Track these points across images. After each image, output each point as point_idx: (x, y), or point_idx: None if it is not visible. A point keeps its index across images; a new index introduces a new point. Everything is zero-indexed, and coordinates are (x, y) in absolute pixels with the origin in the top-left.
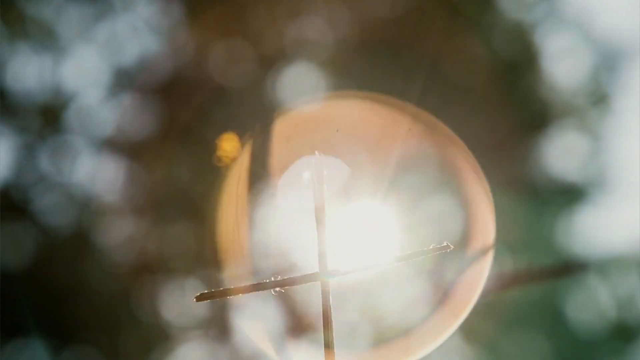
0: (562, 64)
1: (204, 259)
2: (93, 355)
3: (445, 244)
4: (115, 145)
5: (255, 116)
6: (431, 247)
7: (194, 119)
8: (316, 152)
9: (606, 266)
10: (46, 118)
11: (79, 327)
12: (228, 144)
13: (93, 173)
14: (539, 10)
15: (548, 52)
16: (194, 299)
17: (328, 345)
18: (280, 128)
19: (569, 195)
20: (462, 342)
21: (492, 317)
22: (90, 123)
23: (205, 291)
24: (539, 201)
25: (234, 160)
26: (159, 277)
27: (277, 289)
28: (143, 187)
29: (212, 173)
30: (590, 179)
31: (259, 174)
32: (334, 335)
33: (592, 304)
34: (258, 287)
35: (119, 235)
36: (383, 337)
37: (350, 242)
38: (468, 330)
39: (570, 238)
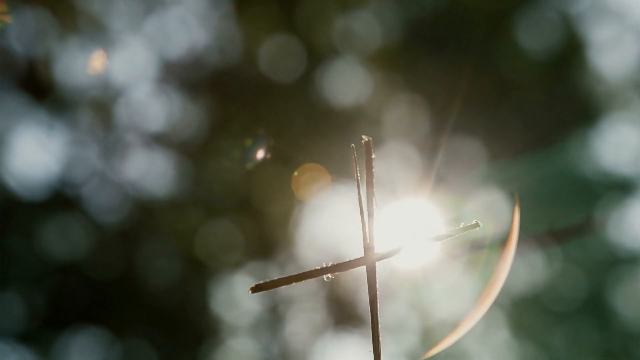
0: (611, 55)
1: (256, 252)
2: (145, 347)
3: (474, 222)
4: (165, 140)
5: (304, 111)
6: (461, 226)
7: (242, 113)
8: (364, 137)
9: None
10: (97, 113)
11: (132, 319)
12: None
13: (144, 168)
14: (585, 1)
15: (596, 44)
16: (250, 291)
17: (375, 329)
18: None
19: (619, 188)
20: (512, 337)
21: (542, 311)
22: (140, 118)
23: (260, 282)
24: (589, 194)
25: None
26: (211, 270)
27: (328, 275)
28: (194, 181)
29: (262, 168)
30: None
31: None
32: (379, 318)
33: None
34: (309, 275)
35: (170, 228)
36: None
37: (392, 226)
38: (518, 324)
39: (621, 231)
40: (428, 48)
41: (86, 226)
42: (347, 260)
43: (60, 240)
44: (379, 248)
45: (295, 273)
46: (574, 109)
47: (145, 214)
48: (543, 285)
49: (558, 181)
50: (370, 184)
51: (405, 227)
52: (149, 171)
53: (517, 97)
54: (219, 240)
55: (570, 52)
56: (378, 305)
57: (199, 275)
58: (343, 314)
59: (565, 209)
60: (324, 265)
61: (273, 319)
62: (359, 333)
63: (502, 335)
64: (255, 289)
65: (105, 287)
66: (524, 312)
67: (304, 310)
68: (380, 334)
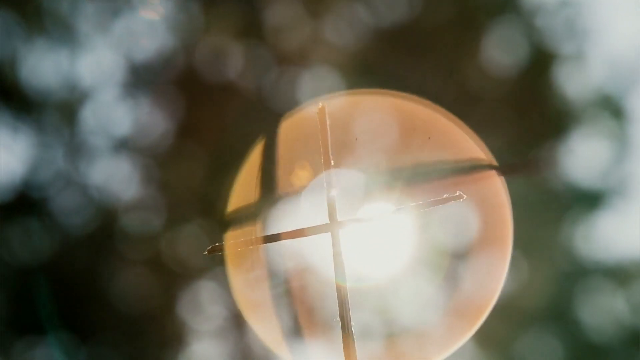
0: (579, 69)
1: (219, 257)
2: (109, 353)
3: (458, 193)
4: (130, 143)
5: (270, 116)
6: (444, 196)
7: (209, 118)
8: (319, 103)
9: (623, 271)
10: (62, 115)
11: (95, 324)
12: None
13: (109, 171)
14: (563, 14)
15: (566, 57)
16: (206, 252)
17: (342, 301)
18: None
19: (586, 200)
20: (474, 345)
21: (505, 322)
22: (105, 121)
23: (217, 244)
24: (557, 206)
25: None
26: (174, 275)
27: (289, 240)
28: (158, 185)
29: (226, 171)
30: (607, 185)
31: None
32: (347, 289)
33: (606, 309)
34: (269, 238)
35: (134, 233)
36: (397, 339)
37: (360, 197)
38: (480, 333)
39: (587, 243)
40: (395, 59)
41: (50, 229)
42: (310, 226)
43: (24, 243)
44: (345, 216)
45: (256, 236)
46: (542, 122)
47: (110, 217)
48: (508, 294)
49: (527, 193)
50: (326, 150)
51: (378, 199)
52: (115, 174)
53: (485, 109)
54: (184, 244)
55: (539, 66)
56: (345, 275)
57: (164, 279)
58: (310, 318)
59: (532, 221)
60: (287, 230)
61: (239, 322)
62: (326, 338)
63: (466, 344)
64: (212, 250)
65: (70, 291)
66: (489, 321)
67: (271, 314)
68: (349, 306)
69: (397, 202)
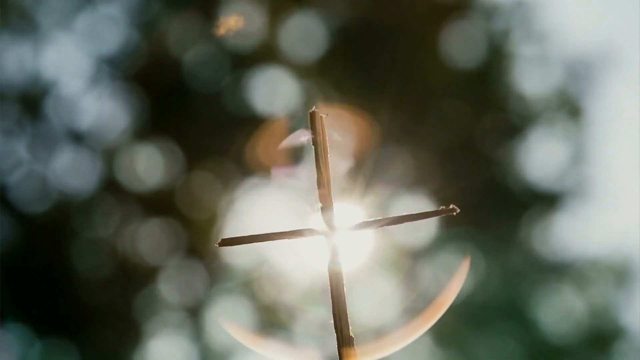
0: (536, 72)
1: (181, 249)
2: (69, 343)
3: (451, 206)
4: (92, 135)
5: (235, 116)
6: (439, 208)
7: (172, 114)
8: (315, 108)
9: (579, 271)
10: (24, 106)
11: (54, 316)
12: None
13: (69, 162)
14: (517, 18)
15: (523, 60)
16: (217, 244)
17: (338, 309)
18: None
19: (543, 201)
20: (432, 344)
21: (463, 321)
22: (67, 112)
23: (227, 237)
24: (513, 206)
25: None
26: (137, 268)
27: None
28: (122, 177)
29: (189, 165)
30: (562, 186)
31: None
32: (345, 297)
33: (563, 309)
34: (274, 236)
35: (95, 224)
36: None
37: (356, 203)
38: (438, 332)
39: (544, 242)
40: (354, 59)
41: (10, 218)
42: (312, 228)
43: None
44: (343, 221)
45: (265, 232)
46: (499, 122)
47: (70, 208)
48: (465, 293)
49: (484, 191)
50: (323, 153)
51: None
52: (76, 165)
53: (442, 108)
54: (146, 237)
55: (497, 67)
56: (343, 281)
57: (124, 272)
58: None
59: (491, 219)
60: (287, 230)
61: (197, 318)
62: (281, 336)
63: (424, 342)
64: (223, 243)
65: (27, 282)
66: (446, 320)
67: (230, 311)
68: (346, 314)
69: (391, 211)
